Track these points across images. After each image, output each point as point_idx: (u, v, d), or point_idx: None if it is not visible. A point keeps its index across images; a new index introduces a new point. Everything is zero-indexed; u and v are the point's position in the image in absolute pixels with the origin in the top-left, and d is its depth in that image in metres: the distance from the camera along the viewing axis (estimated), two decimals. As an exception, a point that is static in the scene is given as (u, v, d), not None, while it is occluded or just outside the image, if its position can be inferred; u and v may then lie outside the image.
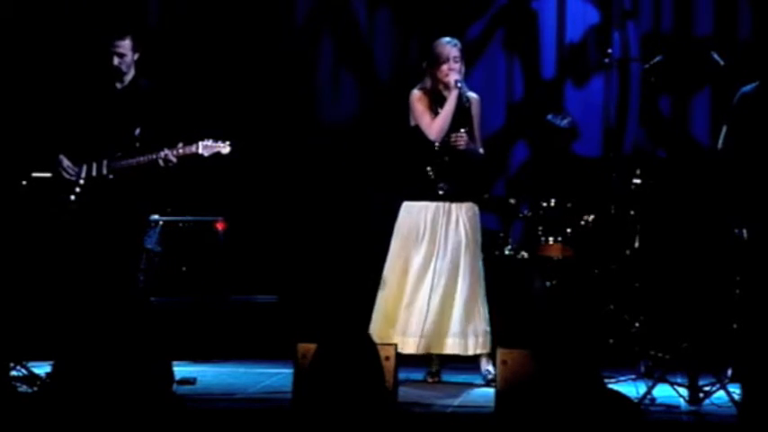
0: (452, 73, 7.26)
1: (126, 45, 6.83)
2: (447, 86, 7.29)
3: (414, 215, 7.32)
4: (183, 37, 9.09)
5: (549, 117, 8.42)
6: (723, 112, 6.67)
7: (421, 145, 7.34)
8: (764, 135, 6.31)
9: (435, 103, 7.32)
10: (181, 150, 6.80)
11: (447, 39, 7.37)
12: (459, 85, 7.24)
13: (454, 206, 7.31)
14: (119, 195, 6.83)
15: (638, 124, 8.89)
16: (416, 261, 7.25)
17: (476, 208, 7.39)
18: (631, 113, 8.90)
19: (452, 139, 7.27)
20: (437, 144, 7.29)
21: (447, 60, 7.27)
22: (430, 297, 7.18)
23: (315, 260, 8.97)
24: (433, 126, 7.28)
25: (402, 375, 7.13)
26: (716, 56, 7.49)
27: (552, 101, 8.94)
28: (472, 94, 7.40)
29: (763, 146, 6.31)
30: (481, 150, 7.45)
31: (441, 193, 7.29)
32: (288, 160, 9.13)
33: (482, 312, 7.25)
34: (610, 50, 8.58)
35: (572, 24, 9.05)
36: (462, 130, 7.29)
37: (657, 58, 8.18)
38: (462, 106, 7.30)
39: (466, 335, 7.19)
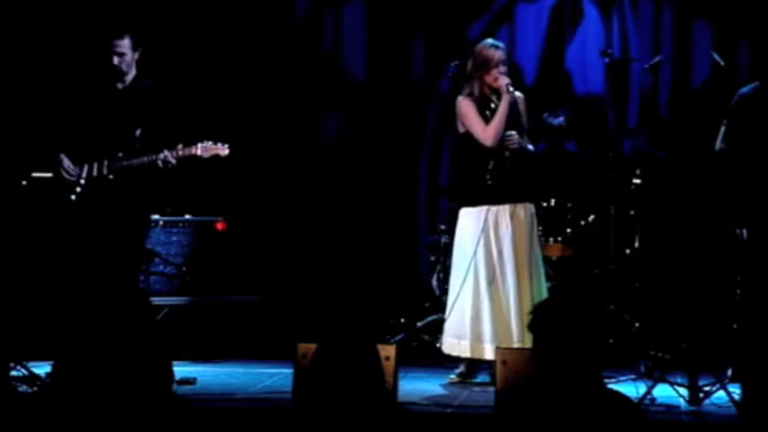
0: (503, 77, 7.20)
1: (125, 44, 6.81)
2: (495, 91, 7.24)
3: (473, 221, 7.26)
4: (185, 37, 9.09)
5: (544, 116, 8.43)
6: (723, 112, 6.66)
7: (474, 150, 7.29)
8: (764, 135, 6.31)
9: (483, 108, 7.27)
10: (180, 152, 6.79)
11: (493, 42, 7.33)
12: (511, 89, 7.19)
13: (511, 208, 7.24)
14: (119, 196, 6.83)
15: (637, 124, 8.89)
16: (481, 268, 7.17)
17: (532, 208, 7.32)
18: (631, 114, 8.90)
19: (504, 142, 7.23)
20: (494, 147, 7.22)
21: (497, 65, 7.22)
22: (504, 302, 7.13)
23: (315, 260, 8.97)
24: (488, 133, 7.21)
25: (402, 375, 7.16)
26: (716, 56, 7.50)
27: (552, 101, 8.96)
28: (517, 93, 7.36)
29: (763, 146, 6.31)
30: (531, 147, 7.40)
31: (510, 195, 7.22)
32: (288, 160, 9.13)
33: None
34: (610, 50, 8.57)
35: (572, 24, 9.06)
36: (513, 132, 7.23)
37: (657, 58, 8.19)
38: (512, 108, 7.26)
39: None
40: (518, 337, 7.10)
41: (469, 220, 7.29)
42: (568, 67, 9.07)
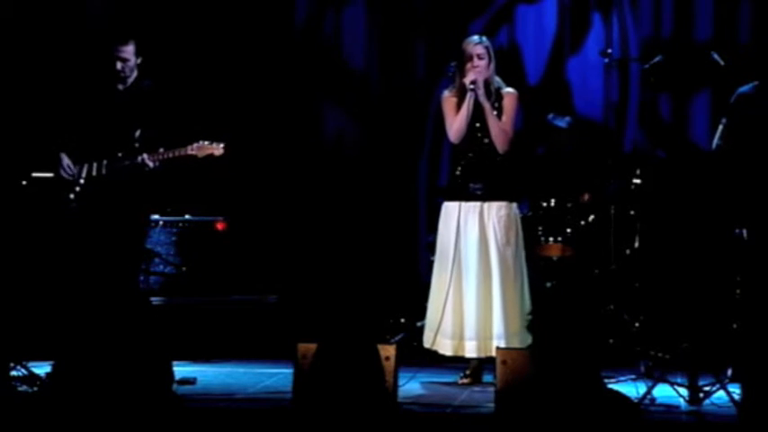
0: (471, 73, 7.14)
1: (129, 50, 6.84)
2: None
3: (448, 216, 7.27)
4: (185, 37, 9.09)
5: (550, 117, 8.43)
6: (722, 112, 6.66)
7: (452, 145, 7.32)
8: (763, 135, 6.31)
9: (463, 102, 7.22)
10: (163, 155, 6.76)
11: (475, 37, 7.28)
12: (471, 87, 7.13)
13: (485, 206, 7.22)
14: (119, 195, 6.83)
15: (637, 125, 8.89)
16: (451, 263, 7.19)
17: (511, 207, 7.26)
18: (631, 114, 8.90)
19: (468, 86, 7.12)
20: (457, 143, 7.24)
21: (470, 59, 7.17)
22: (464, 299, 7.14)
23: (315, 260, 8.97)
24: (451, 129, 7.24)
25: (411, 377, 7.18)
26: (716, 56, 7.49)
27: (552, 101, 8.95)
28: (508, 90, 7.31)
29: (762, 146, 6.31)
30: (506, 148, 7.29)
31: (478, 192, 7.23)
32: (288, 160, 9.13)
33: (520, 313, 7.18)
34: (610, 50, 8.57)
35: (572, 24, 9.06)
36: (478, 82, 7.10)
37: (657, 58, 8.18)
38: (488, 104, 7.20)
39: (507, 337, 7.08)
40: (473, 335, 7.11)
41: (445, 215, 7.32)
42: (568, 68, 9.07)
